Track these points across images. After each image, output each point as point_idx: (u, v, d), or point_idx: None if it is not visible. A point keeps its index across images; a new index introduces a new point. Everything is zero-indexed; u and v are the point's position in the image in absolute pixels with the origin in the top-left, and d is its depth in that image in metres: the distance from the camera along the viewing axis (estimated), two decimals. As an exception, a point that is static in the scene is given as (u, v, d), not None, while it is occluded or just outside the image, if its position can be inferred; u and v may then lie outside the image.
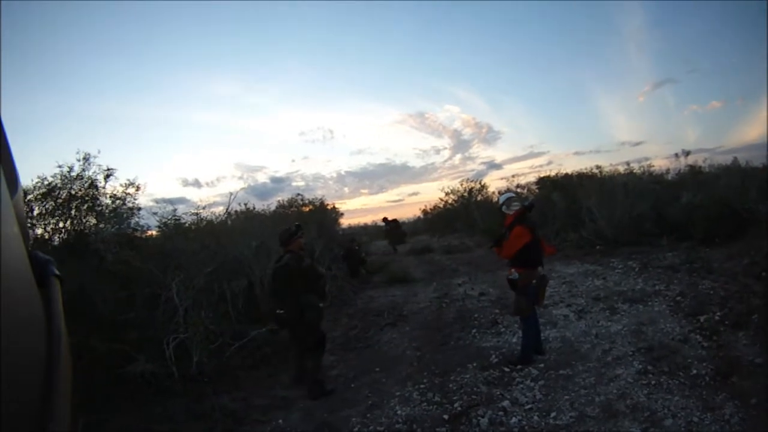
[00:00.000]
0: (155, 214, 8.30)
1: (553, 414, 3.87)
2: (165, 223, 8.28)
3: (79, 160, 7.45)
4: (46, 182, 7.19)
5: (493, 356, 5.31)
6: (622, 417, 3.66)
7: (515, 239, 4.77)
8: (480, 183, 23.93)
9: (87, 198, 7.49)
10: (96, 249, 6.80)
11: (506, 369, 4.89)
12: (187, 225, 8.50)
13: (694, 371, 4.20)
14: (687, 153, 15.18)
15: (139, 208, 8.27)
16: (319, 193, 40.53)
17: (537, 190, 16.28)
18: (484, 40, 59.71)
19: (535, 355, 5.01)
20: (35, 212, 7.02)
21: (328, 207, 15.59)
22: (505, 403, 4.15)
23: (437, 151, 65.38)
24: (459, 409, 4.19)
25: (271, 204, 14.49)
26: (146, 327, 5.73)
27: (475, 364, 5.14)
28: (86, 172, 7.51)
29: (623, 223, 11.37)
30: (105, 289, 5.86)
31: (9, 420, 0.45)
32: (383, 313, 7.92)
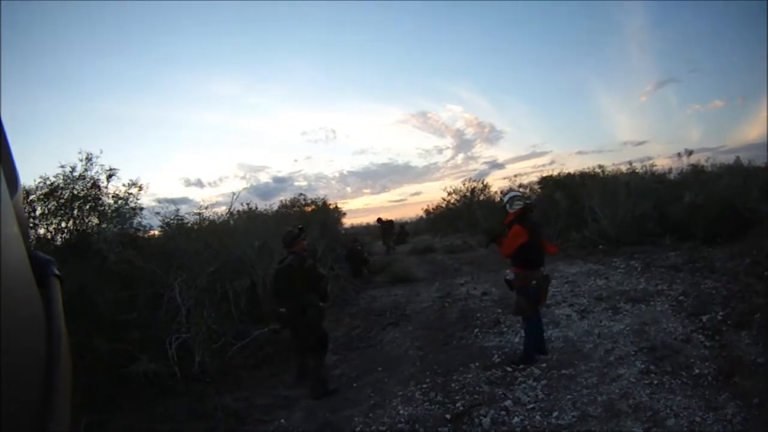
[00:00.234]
0: (158, 214, 8.34)
1: (555, 413, 3.87)
2: (167, 223, 8.31)
3: (81, 160, 7.48)
4: (48, 182, 7.22)
5: (496, 356, 5.30)
6: (625, 417, 3.65)
7: (512, 238, 4.76)
8: (482, 183, 23.93)
9: (89, 198, 7.51)
10: (98, 249, 6.83)
11: (508, 369, 4.89)
12: (189, 225, 8.52)
13: (697, 371, 4.19)
14: (689, 152, 15.14)
15: (142, 208, 8.30)
16: (321, 193, 40.52)
17: (539, 190, 16.25)
18: (487, 39, 59.79)
19: (537, 354, 5.00)
20: (38, 212, 7.05)
21: (331, 207, 15.61)
22: (508, 402, 4.15)
23: (440, 151, 65.44)
24: (461, 408, 4.18)
25: (273, 204, 14.52)
26: (149, 327, 5.75)
27: (477, 364, 5.14)
28: (89, 172, 7.54)
29: (626, 222, 11.35)
30: (107, 289, 5.88)
31: (9, 420, 0.45)
32: (386, 313, 7.93)
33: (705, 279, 6.92)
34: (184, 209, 9.38)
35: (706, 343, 4.77)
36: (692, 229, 9.98)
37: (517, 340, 5.67)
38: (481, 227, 17.62)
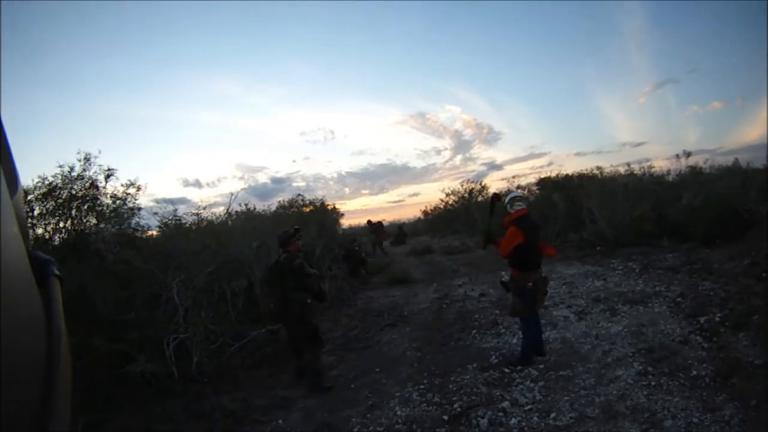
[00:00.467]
0: (156, 214, 8.33)
1: (552, 415, 3.87)
2: (166, 224, 8.30)
3: (79, 160, 7.47)
4: (46, 182, 7.21)
5: (493, 357, 5.30)
6: (622, 418, 3.65)
7: (508, 240, 4.75)
8: (480, 184, 23.97)
9: (88, 198, 7.50)
10: (96, 249, 6.82)
11: (506, 370, 4.89)
12: (187, 225, 8.51)
13: (695, 372, 4.19)
14: (688, 154, 15.19)
15: (140, 208, 8.30)
16: (319, 194, 40.72)
17: (537, 191, 16.26)
18: (485, 40, 59.96)
19: (535, 356, 5.01)
20: (36, 212, 7.03)
21: (329, 207, 15.62)
22: (505, 403, 4.15)
23: (438, 152, 65.63)
24: (459, 409, 4.18)
25: (271, 204, 14.57)
26: (146, 327, 5.74)
27: (475, 365, 5.14)
28: (87, 172, 7.53)
29: (624, 224, 11.37)
30: (105, 289, 5.87)
31: (9, 420, 0.45)
32: (383, 314, 7.93)
33: (703, 280, 6.93)
34: (182, 209, 9.37)
35: (704, 344, 4.78)
36: (690, 230, 10.00)
37: (514, 341, 5.67)
38: (480, 228, 17.63)
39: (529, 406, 4.06)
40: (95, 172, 7.61)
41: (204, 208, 9.37)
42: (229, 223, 9.80)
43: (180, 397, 4.97)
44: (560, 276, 8.87)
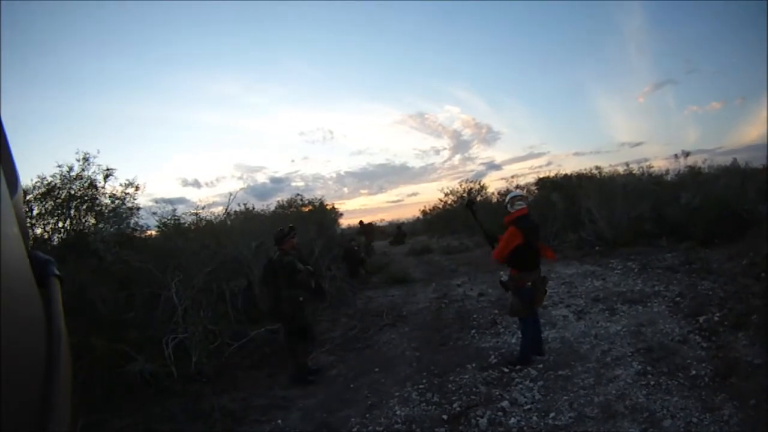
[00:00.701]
0: (155, 214, 8.33)
1: (552, 414, 3.87)
2: (164, 223, 8.29)
3: (78, 160, 7.46)
4: (45, 182, 7.20)
5: (492, 357, 5.31)
6: (621, 417, 3.66)
7: (506, 240, 4.74)
8: (479, 183, 23.96)
9: (86, 198, 7.49)
10: (95, 249, 6.80)
11: (505, 369, 4.89)
12: (186, 225, 8.51)
13: (694, 372, 4.20)
14: (687, 154, 15.21)
15: (139, 208, 8.29)
16: (318, 194, 40.63)
17: (536, 191, 16.27)
18: (484, 40, 60.03)
19: (534, 355, 5.01)
20: (35, 212, 7.02)
21: (328, 207, 15.60)
22: (504, 403, 4.15)
23: (437, 152, 65.67)
24: (458, 409, 4.19)
25: (270, 204, 14.56)
26: (145, 327, 5.73)
27: (474, 365, 5.14)
28: (86, 172, 7.52)
29: (623, 224, 11.38)
30: (104, 289, 5.86)
31: (9, 420, 0.45)
32: (382, 314, 7.92)
33: (702, 280, 6.94)
34: (181, 209, 9.38)
35: (703, 344, 4.78)
36: (689, 230, 10.01)
37: (513, 341, 5.67)
38: (478, 228, 17.58)
39: (528, 406, 4.06)
40: (94, 171, 7.60)
41: (203, 208, 9.41)
42: (228, 222, 9.80)
43: (179, 397, 4.97)
44: (559, 276, 8.88)
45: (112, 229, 7.72)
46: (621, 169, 14.96)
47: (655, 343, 4.98)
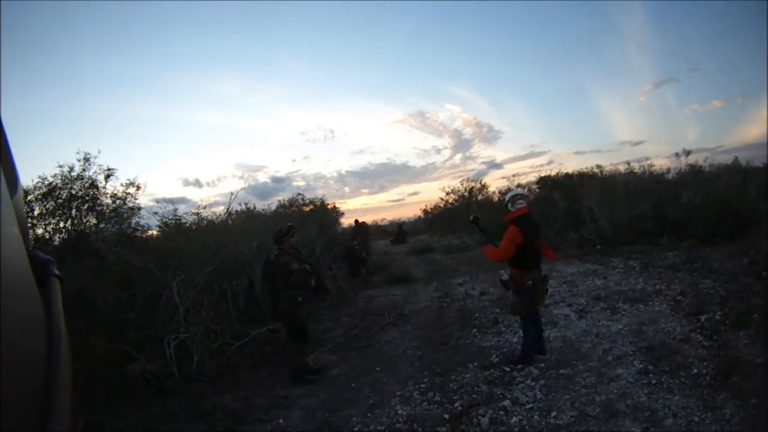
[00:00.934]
0: (156, 213, 8.34)
1: (553, 413, 3.87)
2: (166, 223, 8.30)
3: (79, 160, 7.47)
4: (46, 182, 7.21)
5: (494, 356, 5.30)
6: (623, 416, 3.65)
7: (507, 240, 4.71)
8: (480, 182, 23.93)
9: (87, 198, 7.50)
10: (96, 249, 6.81)
11: (507, 368, 4.89)
12: (187, 225, 8.51)
13: (695, 371, 4.20)
14: (688, 152, 15.21)
15: (140, 208, 8.31)
16: (319, 193, 40.66)
17: (538, 190, 16.26)
18: (485, 39, 59.98)
19: (535, 354, 5.00)
20: (36, 212, 7.04)
21: (329, 207, 15.58)
22: (506, 402, 4.15)
23: (438, 151, 65.66)
24: (460, 408, 4.19)
25: (271, 204, 14.54)
26: (147, 326, 5.74)
27: (475, 364, 5.14)
28: (87, 172, 7.54)
29: (624, 222, 11.37)
30: (105, 289, 5.87)
31: (9, 420, 0.45)
32: (384, 313, 7.92)
33: (703, 279, 6.93)
34: (182, 209, 9.37)
35: (705, 342, 4.78)
36: (690, 229, 10.01)
37: (515, 339, 5.67)
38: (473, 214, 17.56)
39: (529, 405, 4.06)
40: (95, 172, 7.62)
41: (204, 208, 9.40)
42: (230, 222, 9.80)
43: (180, 397, 4.97)
44: (561, 274, 8.87)
45: (113, 229, 7.74)
46: (622, 168, 15.01)
47: (657, 341, 4.97)
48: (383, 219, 37.96)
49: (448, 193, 24.84)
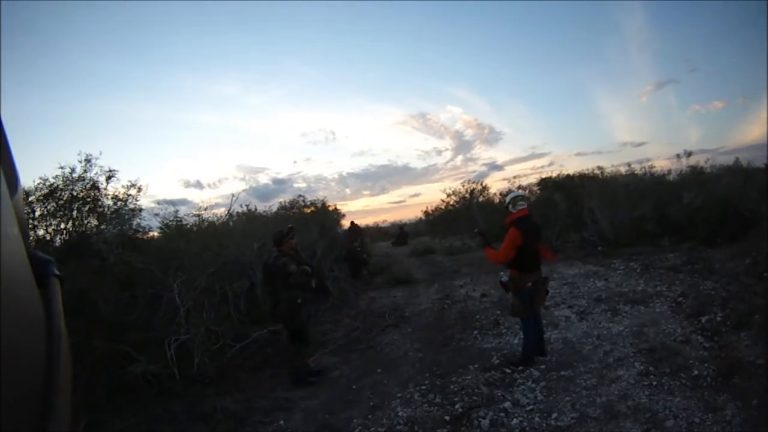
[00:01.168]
0: (157, 215, 8.33)
1: (554, 415, 3.86)
2: (167, 225, 8.30)
3: (80, 162, 7.47)
4: (47, 183, 7.21)
5: (495, 357, 5.30)
6: (624, 418, 3.65)
7: (507, 243, 4.72)
8: (482, 184, 23.87)
9: (88, 199, 7.50)
10: (98, 250, 6.81)
11: (507, 370, 4.88)
12: (188, 226, 8.51)
13: (696, 372, 4.19)
14: (689, 154, 15.15)
15: (141, 210, 8.30)
16: (320, 195, 40.71)
17: (539, 192, 16.25)
18: (486, 40, 60.09)
19: (536, 356, 5.00)
20: (37, 213, 7.03)
21: (330, 208, 15.58)
22: (507, 404, 4.14)
23: (439, 153, 65.75)
24: (460, 410, 4.18)
25: (272, 205, 14.52)
26: (148, 328, 5.74)
27: (476, 366, 5.13)
28: (88, 174, 7.53)
29: (625, 224, 11.37)
30: (106, 290, 5.86)
31: (9, 420, 0.45)
32: (385, 315, 7.92)
33: (704, 280, 6.92)
34: (183, 210, 9.38)
35: (706, 344, 4.77)
36: (691, 230, 10.01)
37: (516, 341, 5.67)
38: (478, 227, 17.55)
39: (530, 407, 4.06)
40: (96, 173, 7.61)
41: (205, 209, 9.38)
42: (231, 224, 9.79)
43: (181, 398, 4.97)
44: (561, 276, 8.87)
45: (114, 231, 7.73)
46: (623, 169, 14.99)
47: (658, 343, 4.96)
48: (384, 221, 38.01)
49: (449, 195, 24.79)
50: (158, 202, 9.03)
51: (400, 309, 8.29)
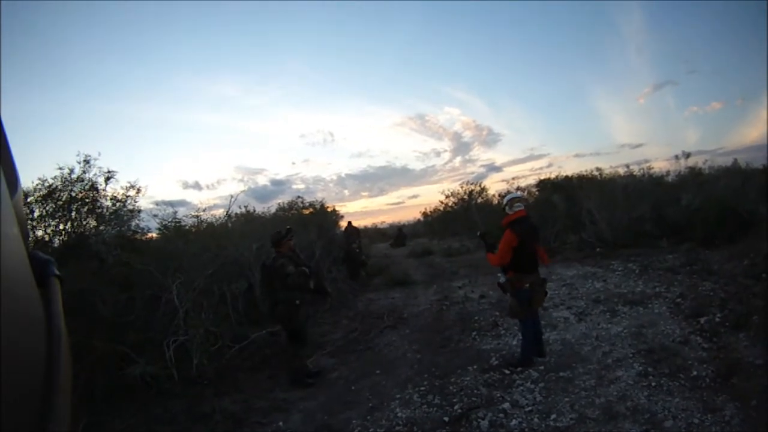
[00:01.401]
0: (156, 216, 8.33)
1: (553, 416, 3.87)
2: (165, 226, 8.29)
3: (79, 162, 7.46)
4: (46, 184, 7.20)
5: (493, 358, 5.30)
6: (623, 419, 3.65)
7: (503, 245, 4.72)
8: (480, 185, 23.93)
9: (87, 200, 7.49)
10: (96, 251, 6.81)
11: (506, 371, 4.88)
12: (187, 227, 8.50)
13: (695, 373, 4.19)
14: (687, 155, 15.17)
15: (140, 211, 8.30)
16: (319, 196, 40.68)
17: (537, 193, 16.26)
18: (484, 42, 60.14)
19: (535, 357, 5.00)
20: (36, 214, 7.03)
21: (328, 209, 15.56)
22: (506, 405, 4.14)
23: (437, 154, 65.78)
24: (459, 411, 4.18)
25: (271, 207, 14.48)
26: (146, 329, 5.74)
27: (475, 367, 5.13)
28: (87, 174, 7.52)
29: (623, 225, 11.38)
30: (105, 291, 5.86)
31: (9, 420, 0.45)
32: (383, 316, 7.92)
33: (703, 281, 6.93)
34: (181, 212, 9.37)
35: (704, 345, 4.78)
36: (690, 231, 10.02)
37: (514, 342, 5.67)
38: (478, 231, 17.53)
39: (529, 408, 4.06)
40: (95, 174, 7.61)
41: (204, 210, 9.38)
42: (229, 225, 9.80)
43: (180, 399, 4.97)
44: (560, 277, 8.87)
45: (113, 232, 7.74)
46: (621, 171, 14.99)
47: (656, 344, 4.97)
48: (383, 222, 38.02)
49: (447, 197, 24.87)
50: (157, 203, 9.04)
51: (398, 310, 8.28)
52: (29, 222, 6.84)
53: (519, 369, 4.86)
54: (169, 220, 8.38)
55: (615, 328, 5.65)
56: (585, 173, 15.55)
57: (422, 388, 4.80)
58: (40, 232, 7.08)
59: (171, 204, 9.35)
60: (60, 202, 7.21)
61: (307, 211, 13.88)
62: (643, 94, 54.70)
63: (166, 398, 5.00)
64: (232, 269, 7.63)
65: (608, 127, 58.06)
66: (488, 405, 4.21)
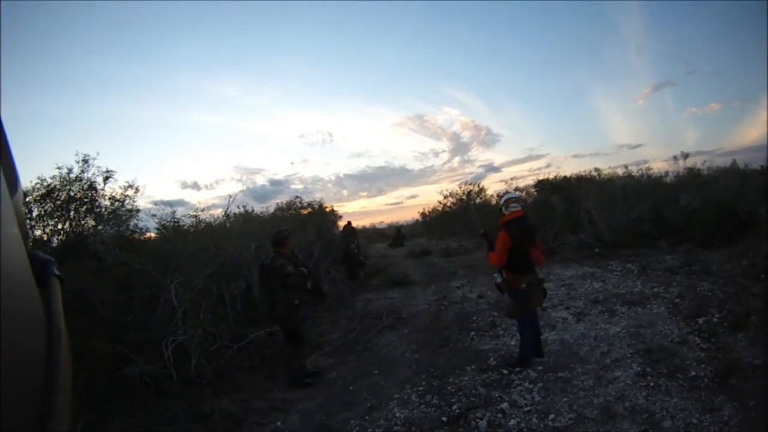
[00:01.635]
0: (154, 216, 8.33)
1: (551, 416, 3.87)
2: (164, 226, 8.29)
3: (78, 162, 7.46)
4: (45, 184, 7.20)
5: (492, 359, 5.30)
6: (621, 419, 3.65)
7: (498, 246, 4.74)
8: (478, 186, 23.96)
9: (86, 200, 7.49)
10: (95, 251, 6.80)
11: (505, 371, 4.89)
12: (186, 227, 8.50)
13: (693, 373, 4.20)
14: (686, 155, 15.17)
15: (138, 210, 8.29)
16: (317, 196, 40.64)
17: (536, 193, 16.26)
18: (483, 42, 60.16)
19: (533, 357, 5.00)
20: (34, 214, 7.02)
21: (327, 210, 15.55)
22: (504, 405, 4.15)
23: (436, 154, 65.77)
24: (457, 411, 4.18)
25: (269, 206, 14.48)
26: (145, 329, 5.73)
27: (473, 367, 5.14)
28: (85, 174, 7.52)
29: (622, 225, 11.38)
30: (104, 291, 5.85)
31: (9, 420, 0.45)
32: (382, 316, 7.92)
33: (701, 281, 6.94)
34: (180, 211, 9.36)
35: (703, 345, 4.78)
36: (689, 232, 10.02)
37: (513, 342, 5.67)
38: (478, 230, 17.53)
39: (527, 408, 4.06)
40: (94, 173, 7.61)
41: (202, 210, 9.38)
42: (228, 225, 9.79)
43: (180, 399, 4.97)
44: (559, 278, 8.88)
45: (111, 231, 7.73)
46: (620, 171, 14.99)
47: (655, 344, 4.97)
48: (381, 222, 38.02)
49: (446, 197, 24.90)
50: (155, 203, 9.05)
51: (397, 310, 8.28)
52: (28, 222, 6.83)
53: (517, 369, 4.86)
54: (168, 219, 8.39)
55: (613, 328, 5.65)
56: (584, 174, 15.56)
57: (420, 388, 4.80)
58: (38, 232, 7.08)
59: (169, 204, 9.38)
60: (58, 202, 7.21)
61: (305, 211, 13.87)
62: (643, 94, 54.81)
63: (165, 398, 4.99)
64: (231, 269, 7.62)
65: (607, 127, 58.14)
66: (486, 405, 4.22)
